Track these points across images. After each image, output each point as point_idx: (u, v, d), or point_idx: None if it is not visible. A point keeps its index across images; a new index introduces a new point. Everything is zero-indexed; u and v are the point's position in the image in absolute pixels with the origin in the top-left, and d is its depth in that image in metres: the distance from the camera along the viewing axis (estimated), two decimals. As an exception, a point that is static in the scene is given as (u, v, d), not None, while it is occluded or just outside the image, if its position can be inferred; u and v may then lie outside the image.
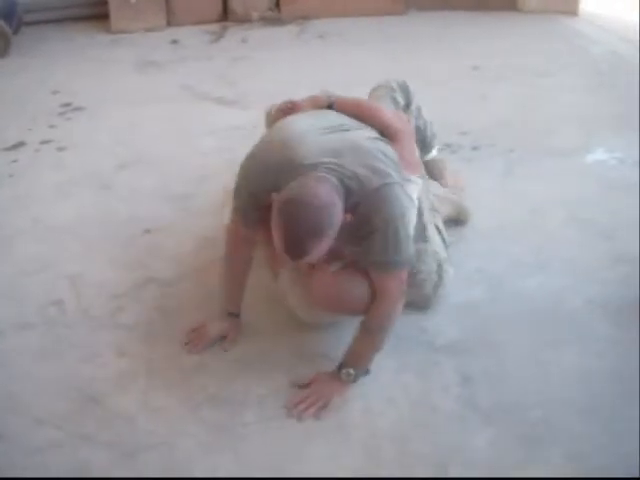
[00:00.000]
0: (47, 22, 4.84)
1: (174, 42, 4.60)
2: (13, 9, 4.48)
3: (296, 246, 1.90)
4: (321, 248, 1.92)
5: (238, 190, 2.22)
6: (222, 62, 4.36)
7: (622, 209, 3.08)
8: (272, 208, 1.95)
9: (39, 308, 2.51)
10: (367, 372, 2.21)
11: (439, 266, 2.45)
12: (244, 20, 4.83)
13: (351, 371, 2.16)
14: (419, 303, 2.45)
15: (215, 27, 4.82)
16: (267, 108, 2.84)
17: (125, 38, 4.64)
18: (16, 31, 4.54)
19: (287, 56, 4.48)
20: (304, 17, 4.92)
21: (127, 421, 2.11)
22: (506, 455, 2.02)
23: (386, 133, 2.28)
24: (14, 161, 3.38)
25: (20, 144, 3.51)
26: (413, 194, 2.25)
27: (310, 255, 1.92)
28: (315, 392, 2.17)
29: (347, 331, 2.23)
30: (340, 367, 2.18)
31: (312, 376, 2.22)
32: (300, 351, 2.34)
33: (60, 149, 3.47)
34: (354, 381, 2.18)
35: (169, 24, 4.73)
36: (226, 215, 2.37)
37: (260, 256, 2.43)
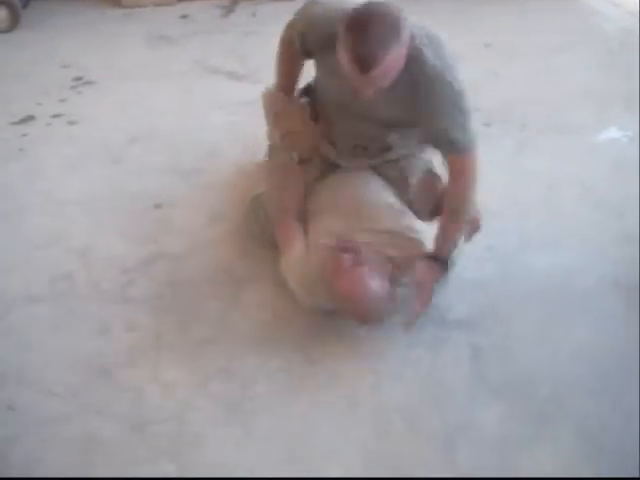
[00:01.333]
0: (57, -4, 4.80)
1: (184, 17, 4.57)
2: (23, -17, 4.46)
3: (367, 53, 1.89)
4: (390, 60, 1.91)
5: (293, 25, 2.32)
6: (233, 37, 4.32)
7: (634, 188, 3.06)
8: (338, 32, 1.95)
9: (49, 281, 2.52)
10: (453, 264, 2.33)
11: None
12: (255, -6, 4.78)
13: (439, 257, 2.26)
14: None
15: (225, 1, 4.76)
16: (264, 90, 2.83)
17: (135, 12, 4.60)
18: (25, 5, 4.51)
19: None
20: (315, -8, 4.85)
21: (137, 394, 2.12)
22: (515, 432, 2.03)
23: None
24: (24, 135, 3.37)
25: (30, 118, 3.49)
26: None
27: (380, 66, 1.90)
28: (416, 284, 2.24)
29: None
30: (435, 256, 2.26)
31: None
32: (313, 328, 2.34)
33: (71, 123, 3.45)
34: (449, 267, 2.30)
35: (179, -2, 4.69)
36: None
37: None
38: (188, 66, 3.96)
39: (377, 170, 2.51)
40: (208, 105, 3.57)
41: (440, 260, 2.27)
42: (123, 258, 2.61)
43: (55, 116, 3.50)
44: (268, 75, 3.69)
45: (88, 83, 3.80)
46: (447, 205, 2.25)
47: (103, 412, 2.07)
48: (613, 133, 3.48)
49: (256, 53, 4.08)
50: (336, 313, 2.32)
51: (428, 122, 2.16)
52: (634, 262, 2.65)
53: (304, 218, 2.43)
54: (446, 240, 2.27)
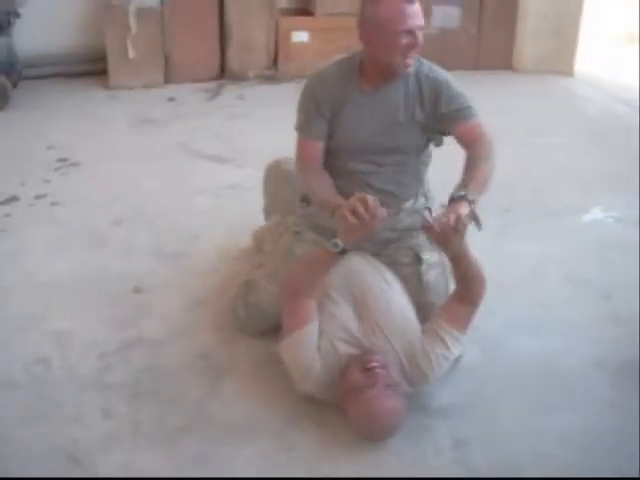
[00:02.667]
0: (46, 77, 4.86)
1: (171, 99, 4.62)
2: (14, 63, 4.52)
3: None
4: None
5: (302, 107, 2.47)
6: (219, 119, 4.37)
7: (619, 269, 3.08)
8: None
9: (25, 366, 2.45)
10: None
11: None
12: (241, 78, 4.86)
13: (466, 192, 2.16)
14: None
15: (212, 85, 4.84)
16: (269, 164, 2.88)
17: (123, 94, 4.65)
18: (15, 85, 4.57)
19: (284, 114, 4.46)
20: (301, 75, 4.94)
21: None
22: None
23: None
24: (7, 215, 3.36)
25: (13, 198, 3.49)
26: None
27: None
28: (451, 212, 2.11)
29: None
30: (463, 194, 2.16)
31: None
32: (288, 414, 2.29)
33: (54, 204, 3.45)
34: (471, 201, 2.14)
35: (167, 81, 4.75)
36: None
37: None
38: (173, 149, 3.99)
39: (389, 257, 2.50)
40: (192, 188, 3.58)
41: (465, 199, 2.15)
42: (101, 342, 2.56)
43: (38, 197, 3.51)
44: (253, 158, 3.75)
45: (73, 164, 3.82)
46: (471, 156, 2.31)
47: (71, 503, 2.00)
48: (598, 214, 3.51)
49: (242, 136, 4.14)
50: (320, 401, 2.27)
51: (443, 104, 2.36)
52: (619, 343, 2.65)
53: None
54: (477, 180, 2.23)
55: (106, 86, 4.74)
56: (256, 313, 2.51)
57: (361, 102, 2.40)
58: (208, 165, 3.84)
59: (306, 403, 2.29)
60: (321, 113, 2.41)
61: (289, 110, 4.60)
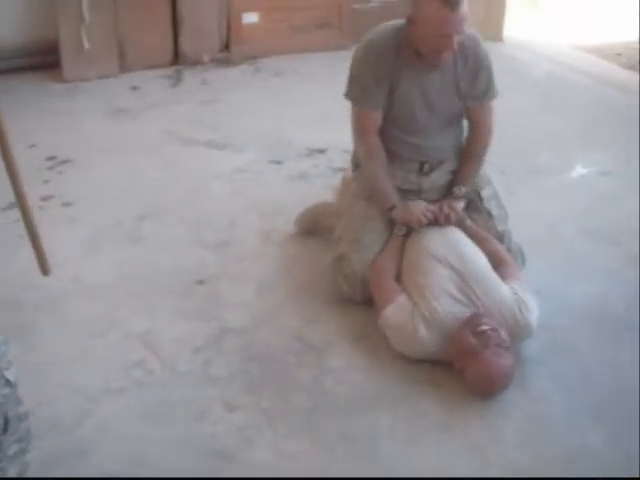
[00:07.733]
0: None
1: (134, 88, 4.51)
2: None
3: None
4: (466, 4, 2.38)
5: (356, 77, 2.60)
6: (192, 105, 4.33)
7: (617, 216, 3.38)
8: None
9: (122, 370, 2.42)
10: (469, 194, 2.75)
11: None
12: (195, 62, 4.82)
13: (462, 188, 2.71)
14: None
15: (169, 71, 4.76)
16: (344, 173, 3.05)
17: (81, 86, 4.47)
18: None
19: (252, 95, 4.53)
20: (254, 57, 4.98)
21: (270, 472, 2.09)
22: (621, 448, 2.19)
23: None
24: (17, 220, 3.19)
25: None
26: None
27: (463, 4, 2.36)
28: (442, 206, 2.64)
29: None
30: (453, 188, 2.71)
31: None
32: (403, 380, 2.40)
33: (65, 204, 3.33)
34: (465, 197, 2.72)
35: (122, 70, 4.62)
36: None
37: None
38: (161, 137, 3.93)
39: None
40: (203, 176, 3.56)
41: (456, 188, 2.72)
42: (188, 338, 2.56)
43: (45, 199, 3.36)
44: (247, 142, 3.79)
45: (65, 162, 3.68)
46: (467, 150, 2.77)
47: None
48: (582, 170, 3.82)
49: (223, 120, 4.14)
50: (426, 362, 2.43)
51: (477, 84, 2.63)
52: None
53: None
54: (464, 174, 2.74)
55: (60, 79, 4.53)
56: (358, 283, 2.63)
57: (415, 77, 2.57)
58: (206, 152, 3.81)
59: (415, 366, 2.44)
60: (379, 84, 2.56)
61: (255, 92, 4.64)
